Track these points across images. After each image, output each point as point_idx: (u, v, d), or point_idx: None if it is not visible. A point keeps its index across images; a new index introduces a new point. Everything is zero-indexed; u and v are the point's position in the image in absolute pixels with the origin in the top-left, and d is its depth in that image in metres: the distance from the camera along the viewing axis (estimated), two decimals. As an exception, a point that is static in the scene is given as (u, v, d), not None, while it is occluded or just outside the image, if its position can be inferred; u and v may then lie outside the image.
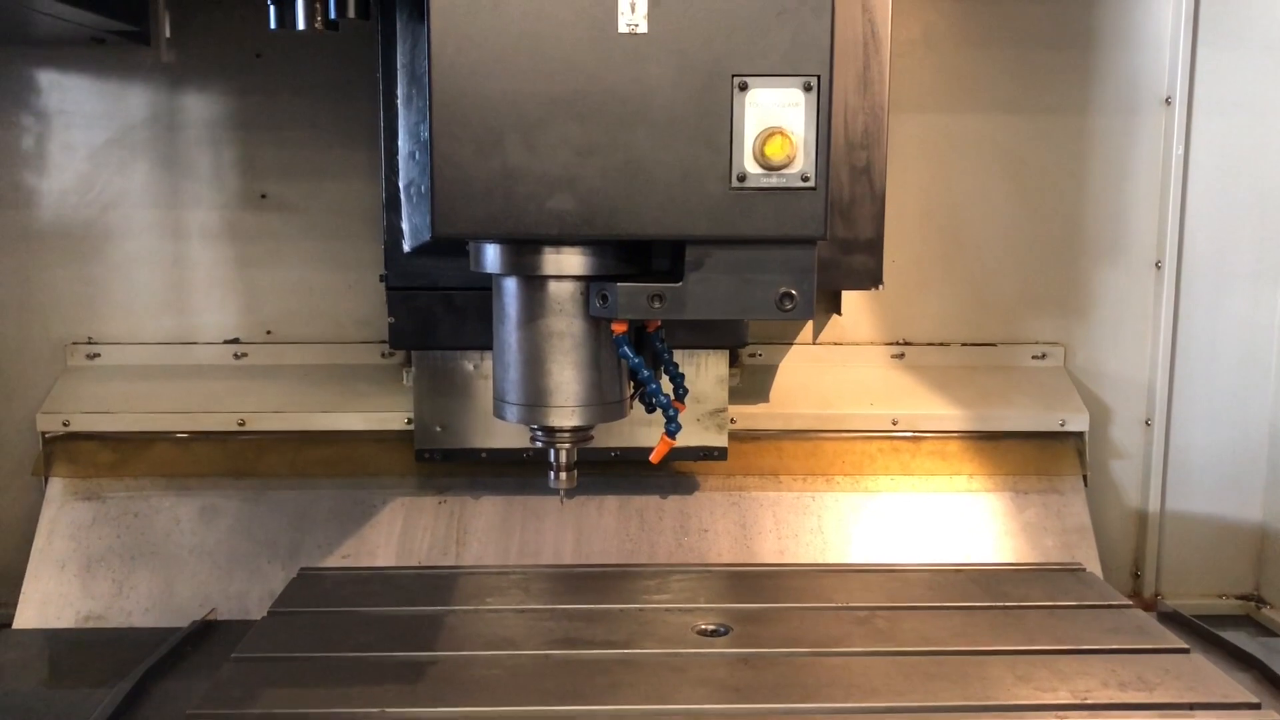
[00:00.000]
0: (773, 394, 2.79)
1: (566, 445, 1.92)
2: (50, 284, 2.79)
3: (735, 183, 1.62)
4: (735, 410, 2.69)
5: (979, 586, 2.19)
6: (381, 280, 2.44)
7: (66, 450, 2.68)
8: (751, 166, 1.61)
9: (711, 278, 1.70)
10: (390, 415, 2.68)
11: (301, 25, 1.68)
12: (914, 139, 2.78)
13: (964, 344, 2.89)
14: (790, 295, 1.70)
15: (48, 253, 2.78)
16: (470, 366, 2.56)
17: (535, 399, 1.84)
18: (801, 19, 1.58)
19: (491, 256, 1.78)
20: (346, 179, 2.73)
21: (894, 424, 2.74)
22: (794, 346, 2.88)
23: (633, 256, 1.77)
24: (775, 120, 1.60)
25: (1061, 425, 2.75)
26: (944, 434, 2.75)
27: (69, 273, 2.79)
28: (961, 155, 2.81)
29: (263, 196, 2.77)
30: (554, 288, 1.79)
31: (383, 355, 2.80)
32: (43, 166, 2.76)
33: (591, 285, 1.77)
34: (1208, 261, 2.85)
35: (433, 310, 2.40)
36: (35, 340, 2.80)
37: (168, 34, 2.65)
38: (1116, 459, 2.91)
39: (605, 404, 1.88)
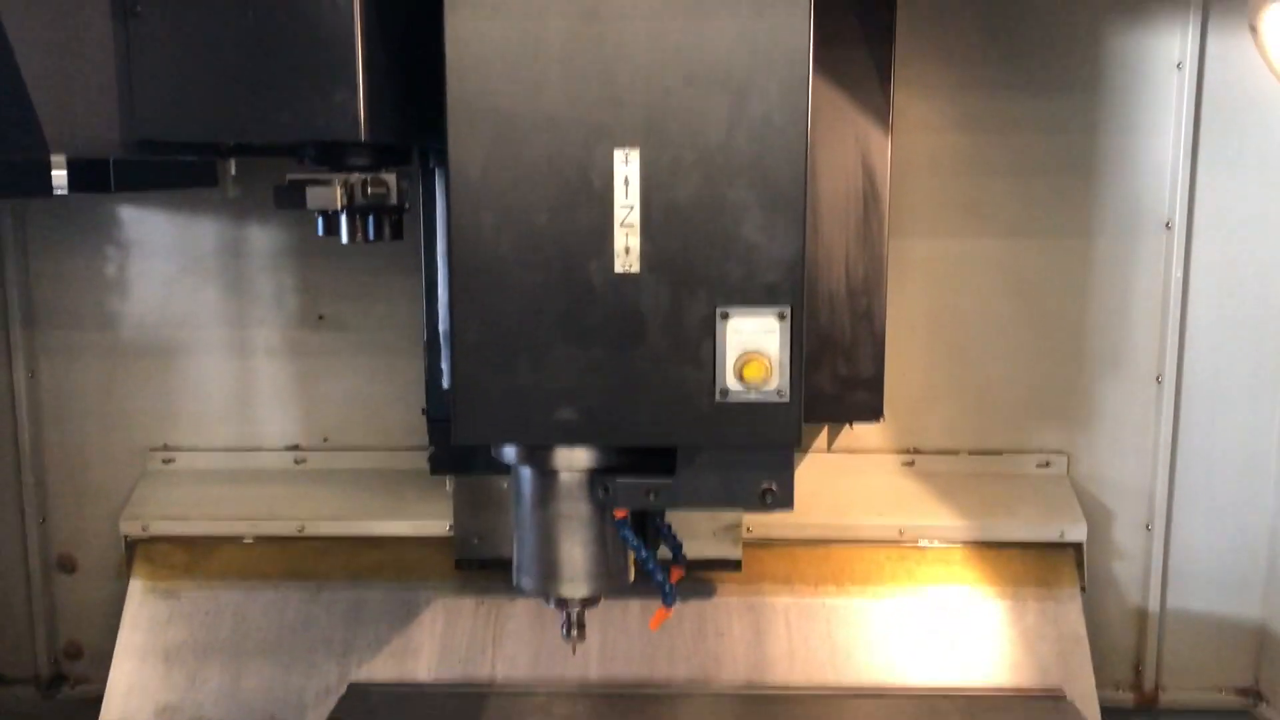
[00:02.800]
0: (786, 502, 2.98)
1: (577, 609, 2.15)
2: (131, 395, 3.08)
3: (719, 397, 1.83)
4: (751, 519, 2.90)
5: (962, 715, 2.38)
6: (423, 413, 2.68)
7: (146, 552, 2.98)
8: (733, 384, 1.83)
9: (701, 475, 1.94)
10: (434, 523, 2.94)
11: (345, 240, 1.91)
12: (921, 260, 2.95)
13: (971, 452, 3.06)
14: (771, 490, 1.93)
15: (129, 367, 3.07)
16: (504, 485, 2.80)
17: (549, 572, 2.09)
18: (776, 259, 1.78)
19: (509, 450, 2.02)
20: (395, 301, 2.99)
21: (900, 534, 2.93)
22: (810, 454, 3.07)
23: (633, 452, 2.00)
24: (753, 345, 1.81)
25: (1060, 536, 2.92)
26: (949, 543, 2.93)
27: (147, 385, 3.08)
28: (968, 276, 2.98)
29: (320, 317, 3.04)
30: (564, 478, 2.03)
31: (428, 461, 3.04)
32: (124, 291, 3.05)
33: (595, 477, 2.00)
34: (1207, 376, 2.99)
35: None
36: (117, 447, 3.10)
37: (233, 173, 2.91)
38: (1118, 560, 3.07)
39: (610, 575, 2.12)
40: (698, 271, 1.79)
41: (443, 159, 1.80)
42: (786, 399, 1.83)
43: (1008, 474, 3.05)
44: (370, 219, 1.88)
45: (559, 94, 1.74)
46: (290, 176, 1.82)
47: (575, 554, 2.07)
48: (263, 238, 3.01)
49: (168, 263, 3.03)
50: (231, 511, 3.00)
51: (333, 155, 1.87)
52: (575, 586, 2.10)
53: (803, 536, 2.95)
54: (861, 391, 2.62)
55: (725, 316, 1.81)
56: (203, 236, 3.01)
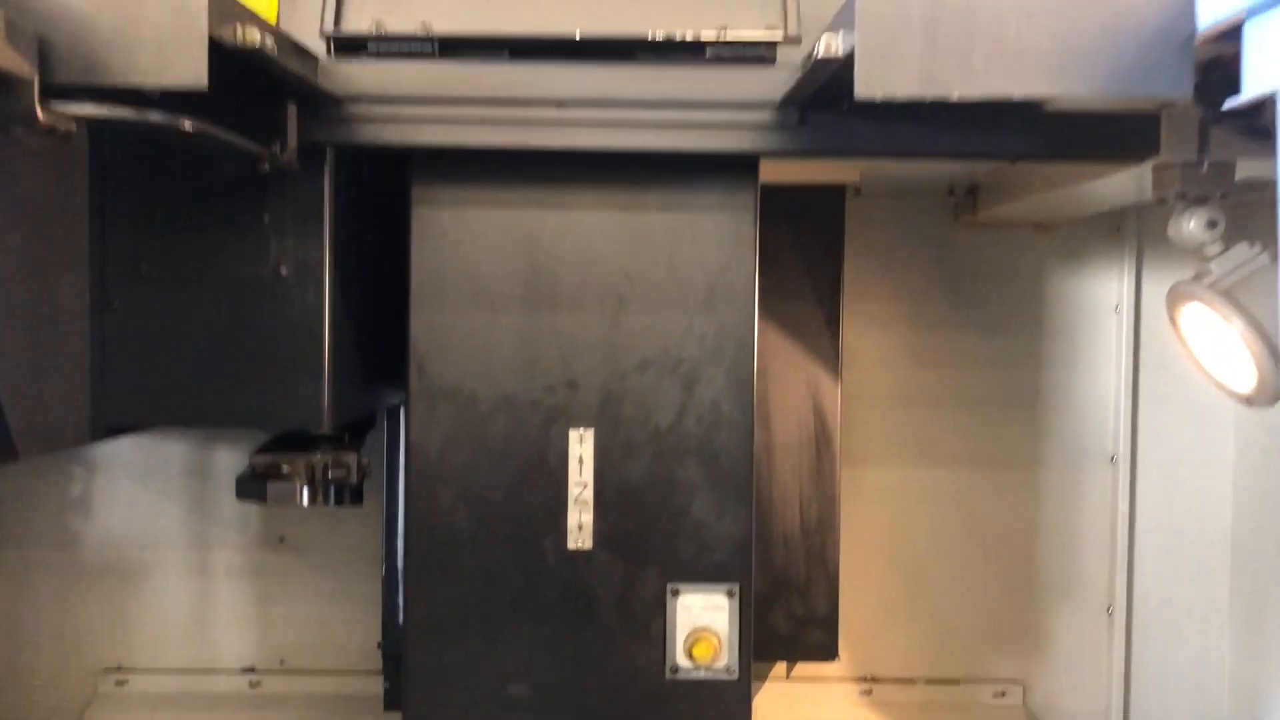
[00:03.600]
0: (745, 733, 2.97)
1: None
2: (87, 615, 3.06)
3: (669, 674, 1.86)
4: (709, 752, 2.88)
5: None
6: (378, 648, 2.68)
7: (95, 781, 2.91)
8: (683, 661, 1.86)
9: None
10: (388, 753, 2.89)
11: (306, 504, 1.96)
12: (875, 490, 3.02)
13: (928, 681, 3.07)
14: None
15: (86, 587, 3.05)
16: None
17: None
18: (724, 537, 1.84)
19: None
20: (356, 526, 3.00)
21: (858, 769, 2.92)
22: (769, 682, 3.07)
23: None
24: (703, 621, 1.85)
25: (1017, 770, 2.92)
26: (905, 779, 2.92)
27: (104, 605, 3.05)
28: (920, 503, 3.04)
29: (281, 539, 3.05)
30: None
31: (385, 687, 3.02)
32: (87, 510, 3.06)
33: None
34: (1156, 605, 3.03)
35: None
36: (70, 668, 3.06)
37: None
38: (1076, 791, 3.05)
39: None
40: (648, 549, 1.85)
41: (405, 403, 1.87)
42: (736, 676, 1.86)
43: (964, 703, 3.05)
44: (331, 488, 1.93)
45: (516, 376, 1.82)
46: (254, 459, 1.87)
47: None
48: (228, 459, 3.04)
49: (132, 483, 3.05)
50: (183, 738, 2.95)
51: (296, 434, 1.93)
52: None
53: (761, 770, 2.93)
54: (817, 631, 2.65)
55: (675, 593, 1.85)
56: (170, 458, 3.04)
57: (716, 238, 1.84)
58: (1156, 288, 2.98)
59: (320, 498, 1.95)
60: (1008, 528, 3.04)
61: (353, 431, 2.05)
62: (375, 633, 2.99)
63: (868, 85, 1.23)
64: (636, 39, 1.72)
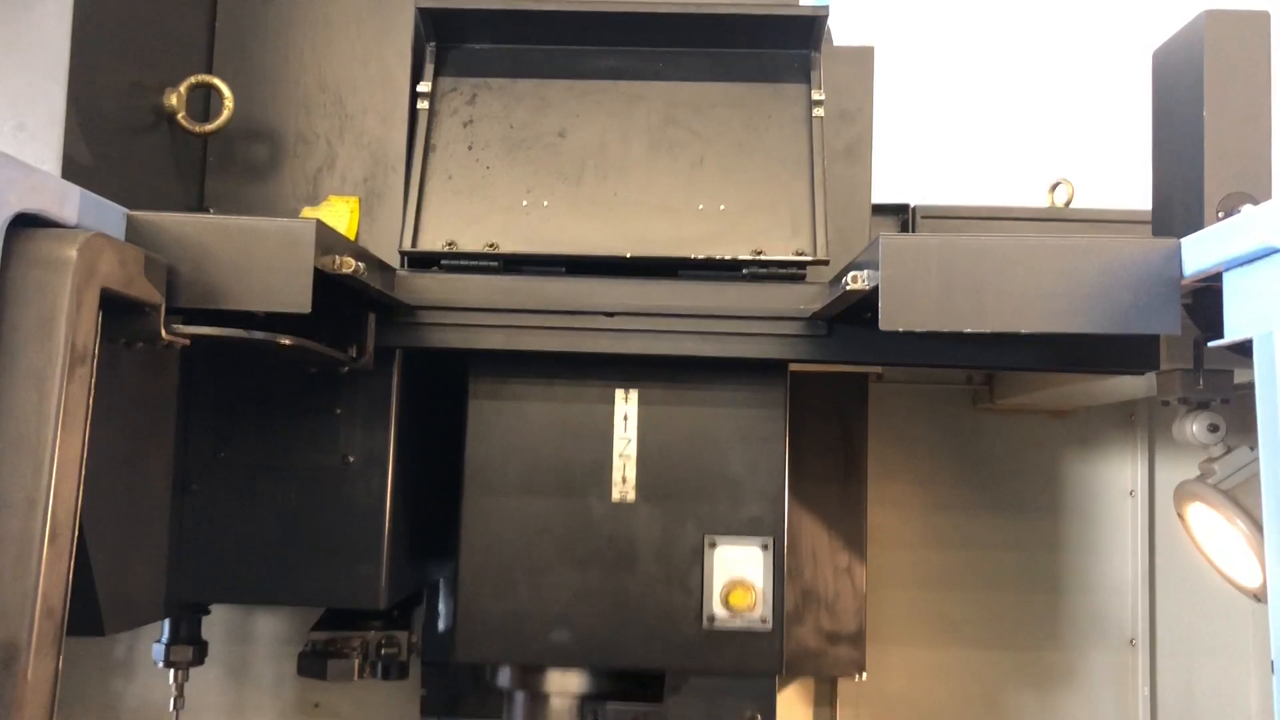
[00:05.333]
0: None
1: None
2: (123, 779, 3.10)
3: (706, 623, 1.92)
4: None
5: None
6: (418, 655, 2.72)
7: None
8: (719, 610, 1.92)
9: (688, 701, 1.99)
10: None
11: (355, 679, 2.06)
12: (899, 666, 3.07)
13: None
14: (755, 717, 1.99)
15: (126, 752, 3.11)
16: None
17: None
18: (760, 492, 1.93)
19: (503, 673, 2.08)
20: (388, 691, 3.07)
21: None
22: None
23: (622, 678, 2.06)
24: (739, 573, 1.92)
25: None
26: None
27: (143, 772, 3.11)
28: (942, 682, 3.08)
29: (315, 705, 3.12)
30: (555, 703, 2.06)
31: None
32: (129, 673, 3.14)
33: (586, 702, 2.06)
34: (1182, 792, 3.04)
35: (459, 684, 2.67)
36: (104, 840, 3.09)
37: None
38: None
39: None
40: (688, 502, 1.93)
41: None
42: (769, 627, 1.91)
43: None
44: (380, 665, 2.04)
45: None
46: (312, 636, 1.99)
47: None
48: (267, 625, 3.14)
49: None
50: None
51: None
52: None
53: None
54: (844, 646, 2.72)
55: (713, 545, 1.93)
56: (210, 622, 3.13)
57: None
58: (1169, 474, 3.09)
59: (370, 674, 2.05)
60: (1030, 709, 3.07)
61: (401, 606, 2.16)
62: (406, 801, 3.03)
63: (890, 319, 1.40)
64: (679, 259, 1.90)
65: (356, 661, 1.92)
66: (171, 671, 2.20)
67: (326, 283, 1.52)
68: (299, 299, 1.40)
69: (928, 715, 3.09)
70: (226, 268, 1.41)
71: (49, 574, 1.13)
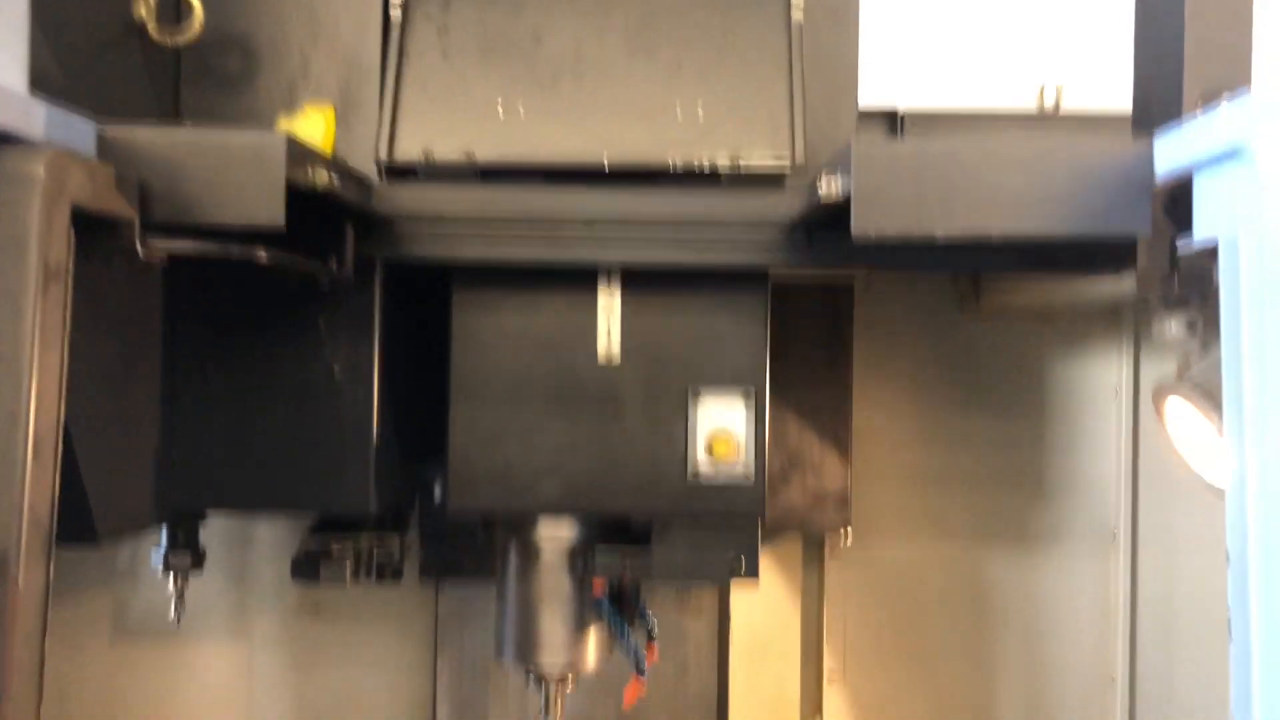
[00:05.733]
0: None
1: (555, 686, 2.24)
2: (132, 680, 3.20)
3: (690, 474, 2.00)
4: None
5: None
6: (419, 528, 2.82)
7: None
8: (704, 460, 1.99)
9: (674, 548, 2.08)
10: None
11: (348, 582, 2.11)
12: (884, 560, 3.14)
13: (935, 757, 3.17)
14: (738, 560, 2.08)
15: (132, 653, 3.20)
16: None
17: (529, 643, 2.20)
18: (741, 345, 1.99)
19: (497, 529, 2.19)
20: (388, 594, 3.14)
21: None
22: (774, 753, 3.18)
23: (611, 526, 2.15)
24: (722, 424, 1.98)
25: None
26: None
27: (147, 670, 3.20)
28: (928, 575, 3.15)
29: (317, 608, 3.20)
30: (546, 550, 2.17)
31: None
32: (134, 580, 3.22)
33: (575, 549, 2.15)
34: (1159, 680, 3.13)
35: (457, 548, 2.76)
36: (117, 733, 3.20)
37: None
38: None
39: (586, 651, 2.24)
40: (671, 361, 1.99)
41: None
42: (751, 474, 1.99)
43: (971, 783, 3.15)
44: (375, 568, 2.09)
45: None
46: (305, 542, 2.03)
47: (555, 626, 2.17)
48: (267, 531, 3.20)
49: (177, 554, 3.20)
50: (220, 806, 3.07)
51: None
52: (552, 656, 2.19)
53: None
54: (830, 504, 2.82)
55: (696, 394, 1.98)
56: (211, 529, 3.19)
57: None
58: (1155, 371, 3.12)
59: (365, 576, 2.10)
60: (1013, 600, 3.15)
61: (394, 512, 2.21)
62: (410, 699, 3.14)
63: (862, 225, 1.40)
64: (658, 166, 1.90)
65: (349, 566, 1.97)
66: (171, 577, 2.26)
67: (302, 196, 1.53)
68: (272, 214, 1.41)
69: (912, 606, 3.16)
70: (199, 183, 1.41)
71: (34, 487, 1.16)
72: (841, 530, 2.88)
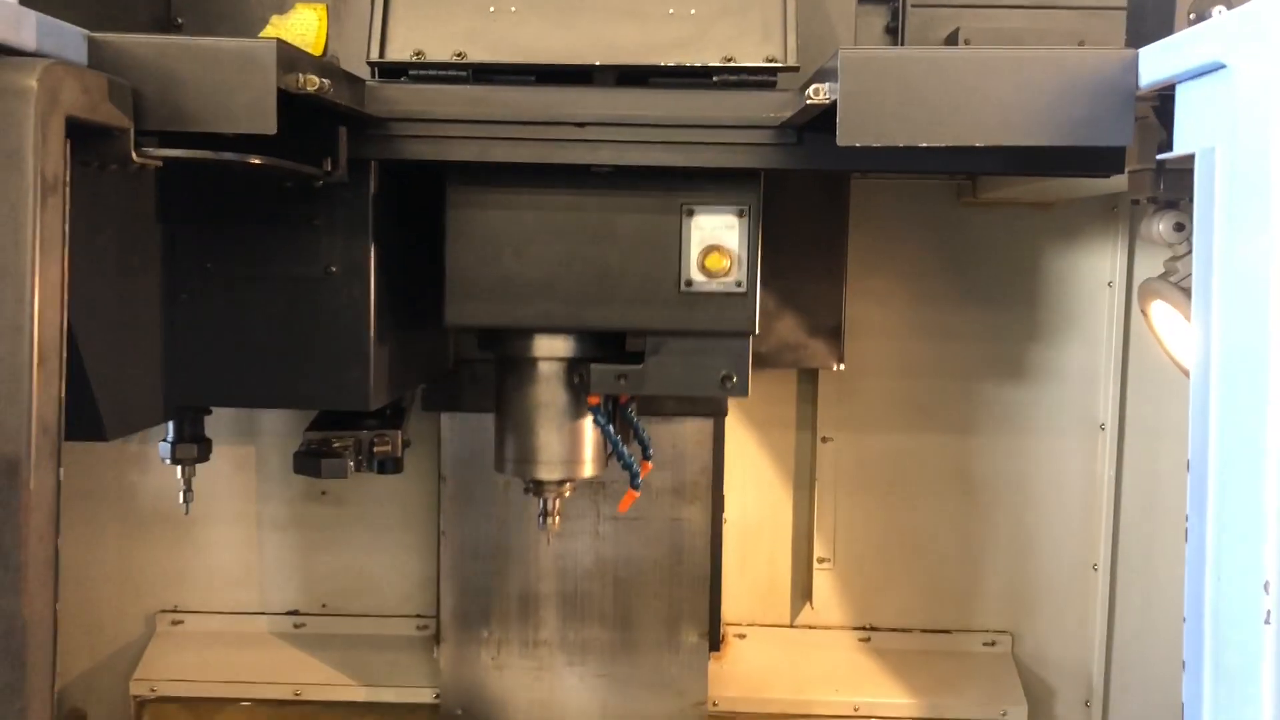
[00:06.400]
0: (750, 676, 3.22)
1: (553, 493, 2.32)
2: (144, 562, 3.32)
3: (684, 287, 2.05)
4: (716, 693, 3.13)
5: None
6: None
7: (154, 712, 3.20)
8: (697, 275, 2.04)
9: (667, 361, 2.11)
10: (422, 690, 3.16)
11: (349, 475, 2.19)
12: (875, 451, 3.22)
13: (923, 630, 3.29)
14: (729, 377, 2.12)
15: (145, 535, 3.31)
16: (489, 657, 3.04)
17: (526, 456, 2.28)
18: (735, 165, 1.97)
19: (493, 340, 2.24)
20: (391, 481, 3.24)
21: (855, 710, 3.16)
22: (773, 629, 3.31)
23: (607, 342, 2.21)
24: (715, 239, 2.03)
25: (1003, 716, 3.15)
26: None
27: (161, 552, 3.32)
28: (919, 466, 3.24)
29: (323, 493, 3.30)
30: (542, 367, 2.23)
31: (417, 629, 3.28)
32: (144, 465, 3.31)
33: (571, 366, 2.22)
34: (1139, 563, 3.23)
35: (458, 383, 2.85)
36: (130, 609, 3.33)
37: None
38: (1061, 734, 3.29)
39: (583, 462, 2.31)
40: (667, 174, 1.99)
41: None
42: (744, 290, 2.03)
43: (956, 651, 3.27)
44: (375, 461, 2.16)
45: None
46: (307, 435, 2.09)
47: (551, 439, 2.25)
48: (273, 419, 3.28)
49: (186, 441, 3.28)
50: (233, 675, 3.22)
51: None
52: (549, 469, 2.26)
53: (765, 711, 3.17)
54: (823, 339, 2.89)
55: (690, 213, 2.02)
56: (219, 416, 3.26)
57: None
58: (1149, 266, 3.13)
59: (366, 468, 2.17)
60: (1002, 489, 3.23)
61: (393, 406, 2.27)
62: (410, 579, 3.25)
63: (849, 133, 1.42)
64: (650, 67, 1.90)
65: (349, 462, 2.03)
66: (179, 468, 2.33)
67: (293, 100, 1.54)
68: (263, 120, 1.43)
69: (903, 497, 3.24)
70: (191, 90, 1.43)
71: (42, 395, 1.21)
72: (834, 365, 2.92)
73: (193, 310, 1.96)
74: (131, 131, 1.38)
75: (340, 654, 3.27)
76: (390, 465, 2.20)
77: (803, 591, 3.28)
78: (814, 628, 3.30)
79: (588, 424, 2.29)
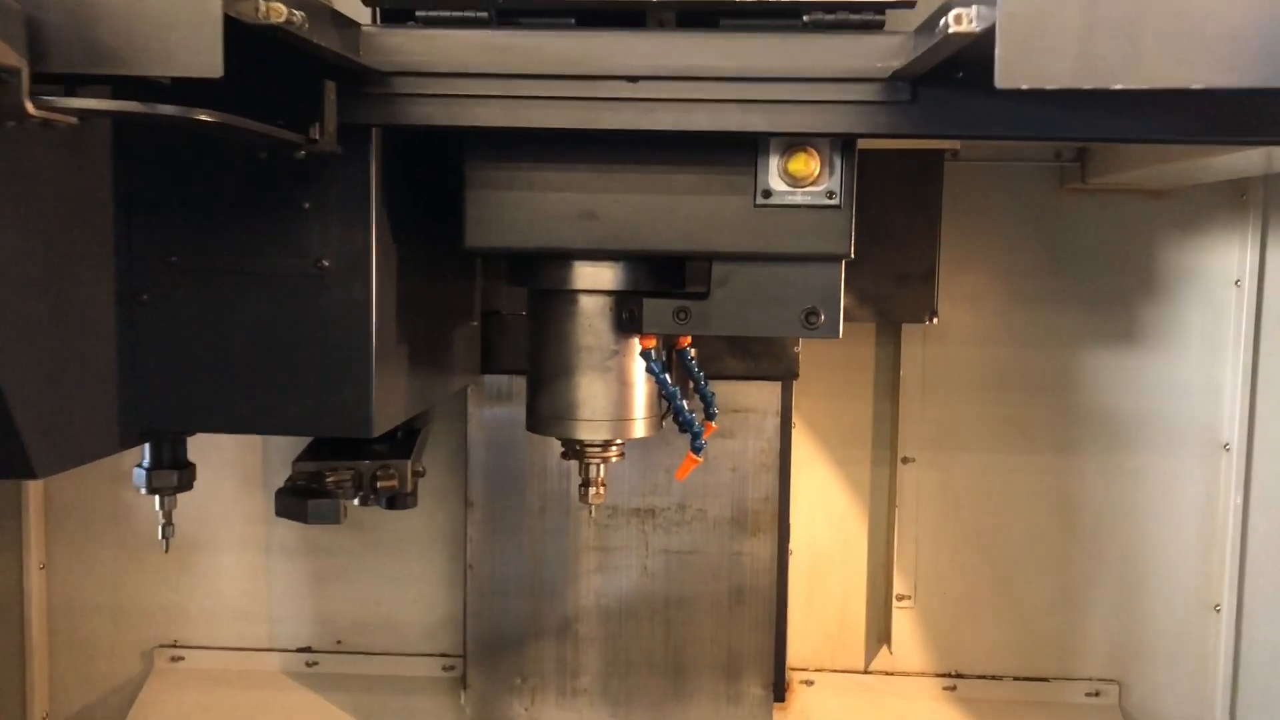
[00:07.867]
0: (820, 730, 2.84)
1: (595, 460, 1.89)
2: (142, 590, 3.00)
3: (760, 199, 1.61)
4: (782, 744, 2.76)
5: None
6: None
7: (150, 759, 2.87)
8: (777, 183, 1.59)
9: (737, 294, 1.66)
10: (447, 739, 2.82)
11: (357, 503, 1.82)
12: (961, 475, 2.85)
13: (1016, 677, 2.90)
14: (816, 312, 1.66)
15: (142, 561, 2.99)
16: (522, 708, 2.68)
17: (564, 412, 1.83)
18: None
19: (524, 270, 1.82)
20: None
21: (941, 772, 2.76)
22: (843, 675, 2.93)
23: (663, 273, 1.79)
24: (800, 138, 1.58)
25: (1112, 778, 2.75)
26: (992, 783, 2.76)
27: (160, 581, 2.99)
28: (1012, 491, 2.87)
29: (338, 517, 2.94)
30: (584, 302, 1.79)
31: (443, 669, 2.93)
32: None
33: (619, 300, 1.78)
34: (1269, 603, 2.83)
35: (485, 339, 2.46)
36: (127, 643, 3.01)
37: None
38: (1180, 796, 2.89)
39: (633, 419, 1.86)
40: None
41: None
42: (838, 202, 1.58)
43: (1055, 702, 2.88)
44: (382, 498, 1.78)
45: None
46: (296, 467, 1.72)
47: (594, 391, 1.80)
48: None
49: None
50: (238, 719, 2.88)
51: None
52: (592, 429, 1.82)
53: (836, 771, 2.79)
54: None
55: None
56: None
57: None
58: (1287, 261, 2.75)
59: (370, 503, 1.79)
60: (1108, 518, 2.87)
61: (405, 429, 1.88)
62: (432, 613, 2.92)
63: (1010, 73, 1.01)
64: (721, 2, 1.50)
65: (341, 506, 1.65)
66: (157, 498, 1.97)
67: (257, 40, 1.16)
68: (206, 60, 1.05)
69: (993, 525, 2.87)
70: (111, 20, 1.05)
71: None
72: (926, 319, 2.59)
73: (154, 315, 1.59)
74: (24, 74, 1.01)
75: (356, 697, 2.95)
76: (400, 502, 1.82)
77: (879, 633, 2.91)
78: (892, 674, 2.95)
79: (639, 373, 1.83)
